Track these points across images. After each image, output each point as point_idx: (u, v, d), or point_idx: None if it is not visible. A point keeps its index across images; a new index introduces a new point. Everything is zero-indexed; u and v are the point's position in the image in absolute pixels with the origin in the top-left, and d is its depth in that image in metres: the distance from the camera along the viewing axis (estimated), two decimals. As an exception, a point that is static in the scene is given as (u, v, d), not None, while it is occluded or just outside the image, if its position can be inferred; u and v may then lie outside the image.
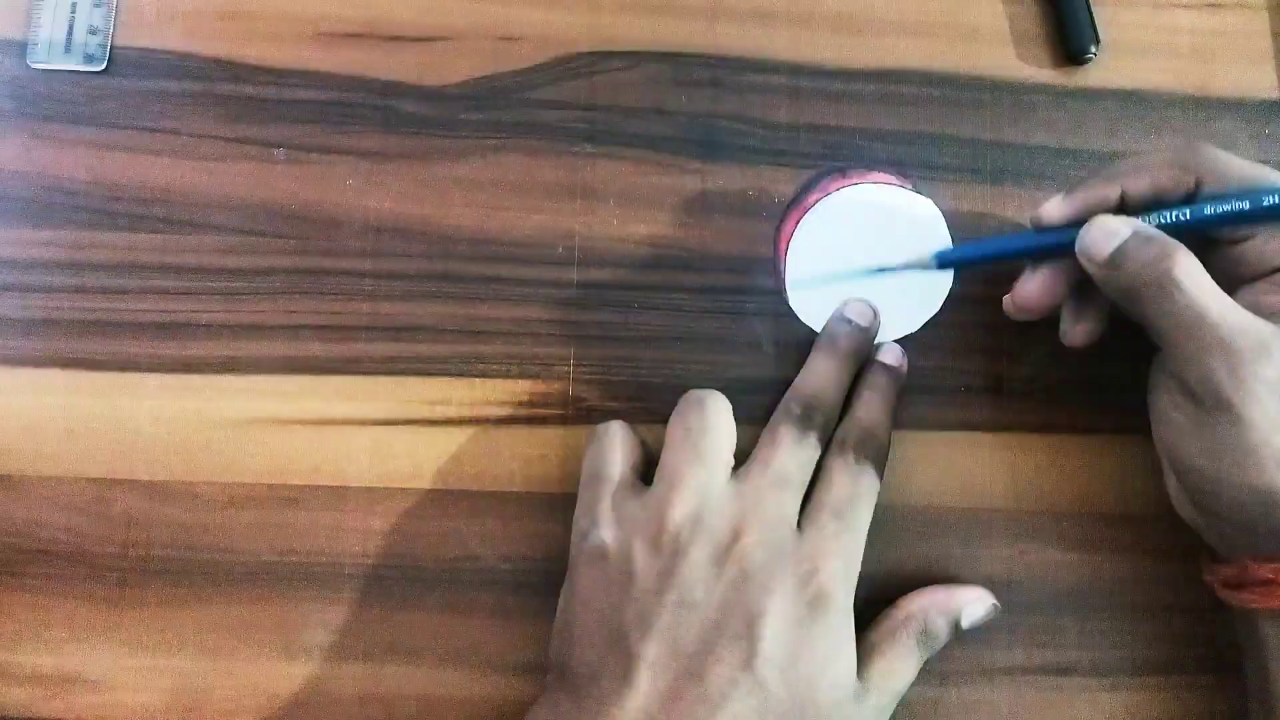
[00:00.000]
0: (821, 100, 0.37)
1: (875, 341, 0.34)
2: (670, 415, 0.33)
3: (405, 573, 0.34)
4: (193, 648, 0.34)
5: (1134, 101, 0.37)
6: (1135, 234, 0.29)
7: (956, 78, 0.37)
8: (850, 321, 0.34)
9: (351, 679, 0.34)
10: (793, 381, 0.34)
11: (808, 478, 0.32)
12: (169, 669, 0.33)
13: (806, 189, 0.36)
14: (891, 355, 0.34)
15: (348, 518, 0.34)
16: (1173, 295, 0.28)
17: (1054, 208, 0.31)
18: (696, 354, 0.35)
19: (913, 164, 0.36)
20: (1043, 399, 0.35)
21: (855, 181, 0.34)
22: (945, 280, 0.35)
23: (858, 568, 0.31)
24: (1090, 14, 0.37)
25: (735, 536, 0.30)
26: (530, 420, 0.35)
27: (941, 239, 0.34)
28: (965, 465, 0.35)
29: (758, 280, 0.35)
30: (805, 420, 0.32)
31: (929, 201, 0.34)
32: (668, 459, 0.32)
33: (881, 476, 0.32)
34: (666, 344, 0.35)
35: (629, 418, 0.34)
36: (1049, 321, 0.36)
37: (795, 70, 0.37)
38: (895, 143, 0.36)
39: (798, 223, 0.34)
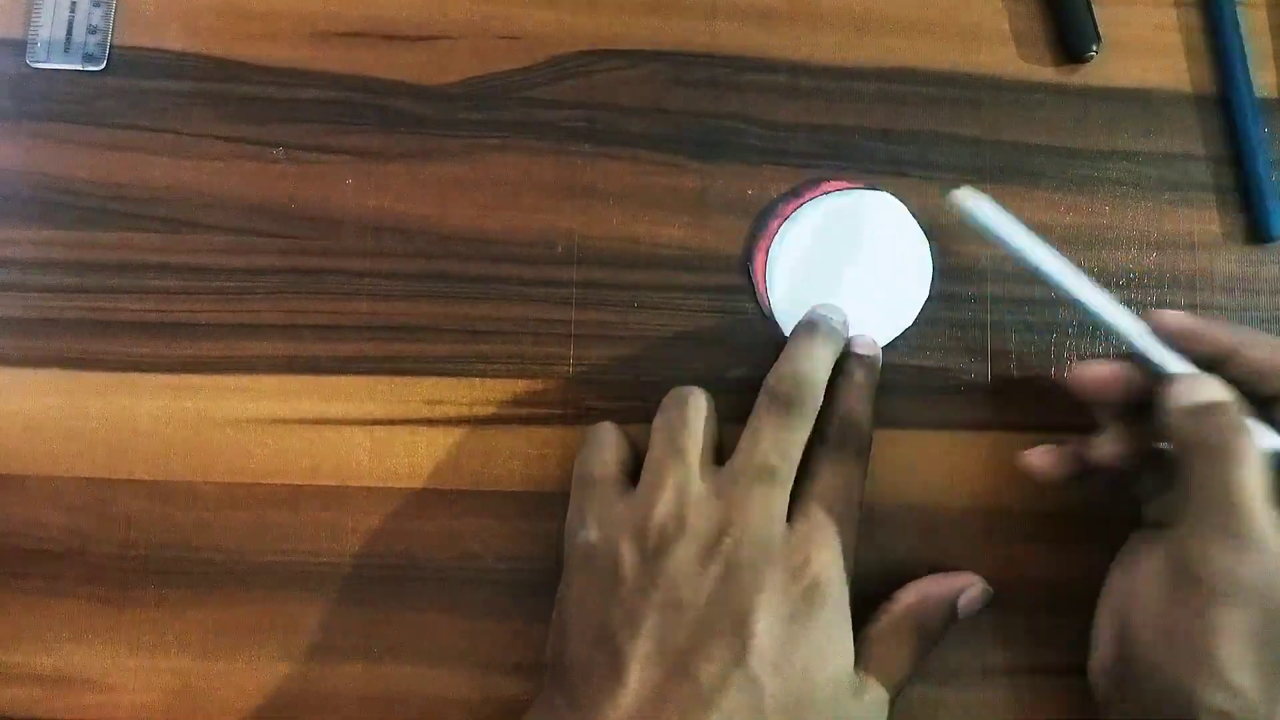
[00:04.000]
0: (821, 100, 0.37)
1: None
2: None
3: (405, 573, 0.34)
4: (193, 648, 0.34)
5: (1135, 100, 0.37)
6: (1232, 403, 0.29)
7: (956, 77, 0.37)
8: (823, 315, 0.34)
9: (351, 679, 0.34)
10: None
11: (793, 466, 0.31)
12: (169, 669, 0.33)
13: (764, 217, 0.35)
14: (863, 345, 0.34)
15: (348, 518, 0.34)
16: (1223, 467, 0.28)
17: (1176, 320, 0.31)
18: (696, 354, 0.35)
19: (913, 164, 0.36)
20: (1042, 399, 0.35)
21: (809, 197, 0.34)
22: (925, 278, 0.34)
23: (851, 559, 0.31)
24: (1091, 13, 0.37)
25: (720, 532, 0.30)
26: (530, 420, 0.35)
27: (906, 225, 0.33)
28: (965, 465, 0.35)
29: (749, 279, 0.35)
30: (783, 405, 0.31)
31: (884, 193, 0.33)
32: (650, 457, 0.32)
33: (866, 465, 0.32)
34: (666, 344, 0.35)
35: (629, 417, 0.34)
36: (1046, 321, 0.36)
37: (795, 70, 0.37)
38: (895, 142, 0.36)
39: (767, 252, 0.33)
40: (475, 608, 0.34)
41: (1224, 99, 0.37)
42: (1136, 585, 0.29)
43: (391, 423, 0.35)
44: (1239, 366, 0.30)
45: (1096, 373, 0.31)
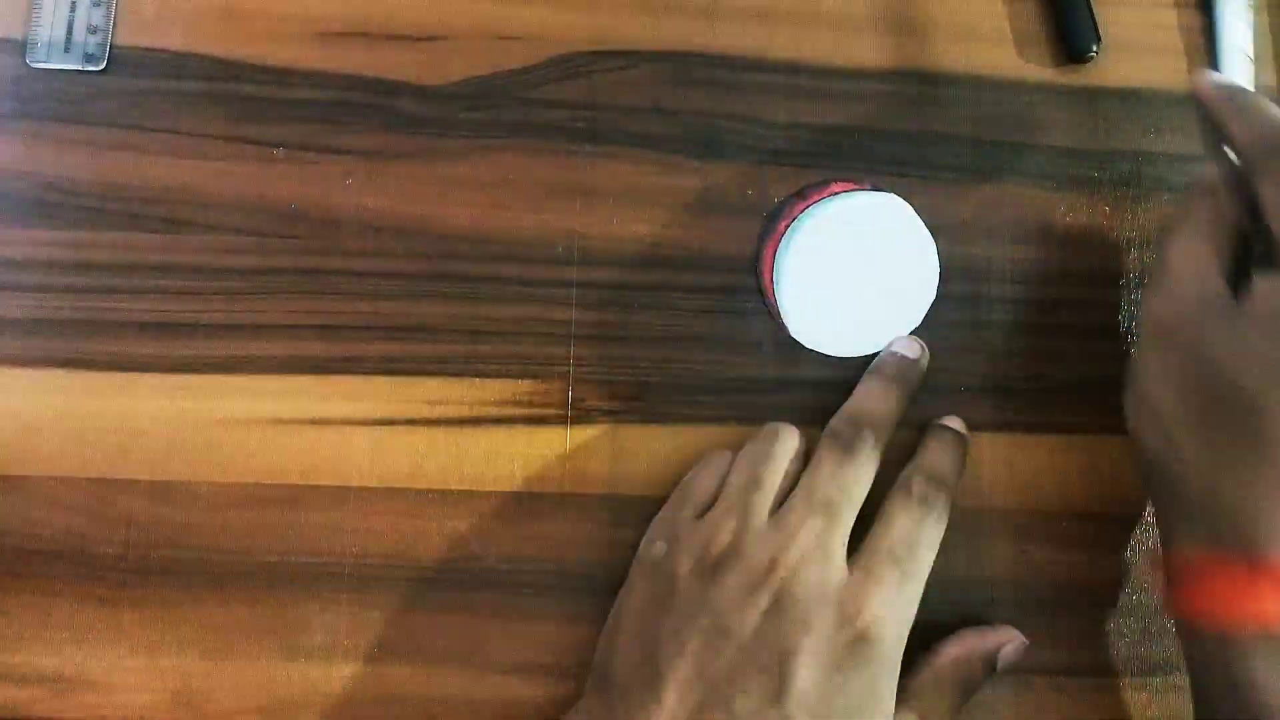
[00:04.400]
0: (821, 100, 0.37)
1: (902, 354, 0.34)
2: (668, 417, 0.33)
3: (405, 573, 0.34)
4: (193, 648, 0.34)
5: (1135, 100, 0.37)
6: None
7: (956, 77, 0.37)
8: (896, 353, 0.34)
9: (351, 679, 0.34)
10: (798, 389, 0.34)
11: (852, 503, 0.31)
12: (169, 669, 0.33)
13: (772, 219, 0.35)
14: (956, 422, 0.34)
15: (348, 518, 0.34)
16: None
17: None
18: (696, 354, 0.35)
19: (913, 164, 0.36)
20: (1043, 399, 0.35)
21: (816, 199, 0.33)
22: (931, 279, 0.34)
23: (911, 617, 0.30)
24: (1091, 13, 0.37)
25: (771, 566, 0.29)
26: (530, 420, 0.35)
27: (913, 227, 0.33)
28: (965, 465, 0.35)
29: (757, 280, 0.35)
30: (847, 442, 0.31)
31: (891, 195, 0.33)
32: (727, 485, 0.32)
33: (944, 526, 0.31)
34: (666, 344, 0.35)
35: (628, 418, 0.34)
36: (1045, 323, 0.36)
37: (795, 70, 0.37)
38: (895, 143, 0.36)
39: (774, 253, 0.33)
40: (475, 608, 0.34)
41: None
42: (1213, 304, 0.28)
43: (391, 423, 0.35)
44: None
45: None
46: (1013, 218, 0.36)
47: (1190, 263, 0.28)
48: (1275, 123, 0.28)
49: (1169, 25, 0.37)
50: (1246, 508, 0.26)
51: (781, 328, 0.34)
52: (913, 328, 0.34)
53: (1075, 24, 0.37)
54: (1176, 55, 0.37)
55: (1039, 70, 0.37)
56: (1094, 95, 0.37)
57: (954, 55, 0.37)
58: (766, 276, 0.34)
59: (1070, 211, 0.36)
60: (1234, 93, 0.30)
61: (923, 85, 0.37)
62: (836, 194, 0.33)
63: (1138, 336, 0.30)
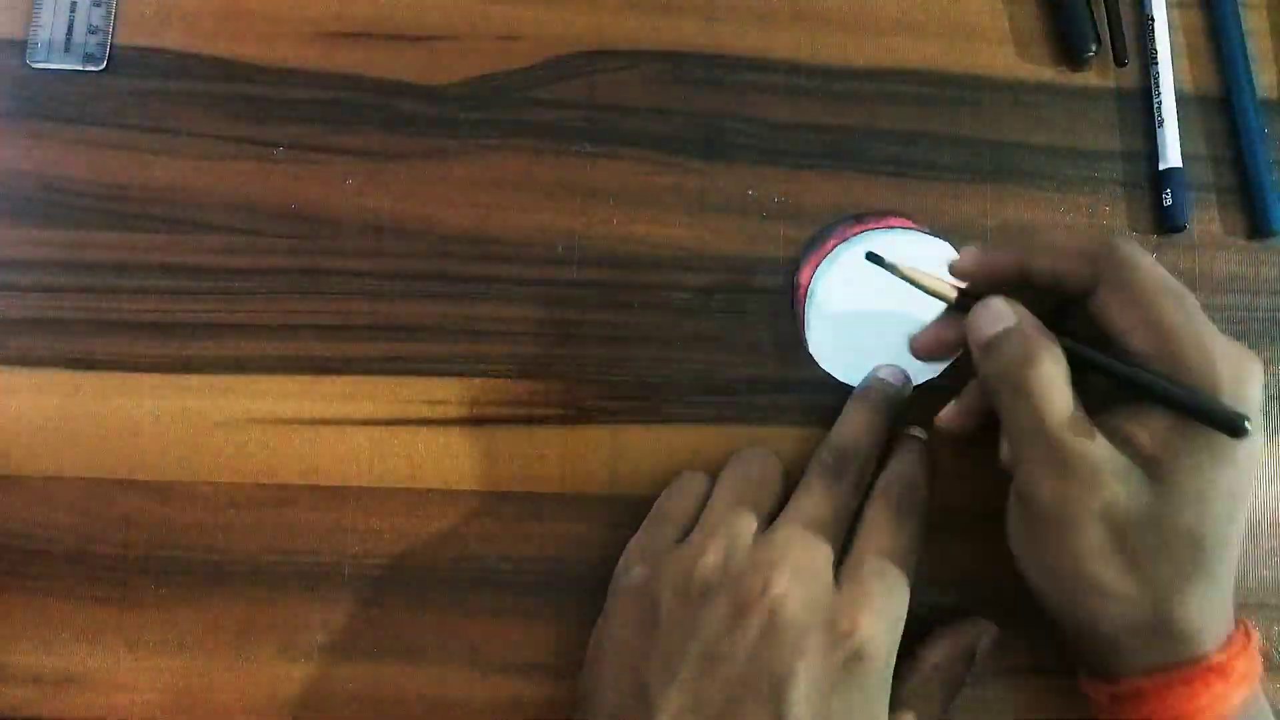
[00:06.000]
0: (821, 100, 0.37)
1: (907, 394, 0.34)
2: (668, 417, 0.33)
3: (405, 573, 0.34)
4: (193, 648, 0.34)
5: (1134, 100, 0.37)
6: (1017, 326, 0.29)
7: (956, 78, 0.37)
8: (881, 379, 0.34)
9: (351, 679, 0.34)
10: (798, 389, 0.34)
11: (843, 529, 0.31)
12: (169, 669, 0.33)
13: (822, 235, 0.35)
14: (917, 430, 0.34)
15: (347, 518, 0.34)
16: (1020, 400, 0.28)
17: (966, 259, 0.31)
18: (697, 354, 0.35)
19: (913, 164, 0.36)
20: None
21: (871, 227, 0.33)
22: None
23: (901, 627, 0.30)
24: (1090, 13, 0.37)
25: (763, 588, 0.28)
26: (530, 420, 0.35)
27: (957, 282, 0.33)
28: (965, 466, 0.35)
29: (758, 280, 0.35)
30: (837, 469, 0.32)
31: (944, 243, 0.33)
32: (710, 508, 0.31)
33: (924, 525, 0.32)
34: (666, 344, 0.35)
35: (629, 418, 0.34)
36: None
37: (795, 70, 0.37)
38: (895, 143, 0.36)
39: (815, 270, 0.33)
40: (475, 608, 0.34)
41: (1225, 99, 0.37)
42: (1010, 531, 0.30)
43: (391, 423, 0.35)
44: (1035, 280, 0.30)
45: (926, 337, 0.32)
46: (1013, 218, 0.36)
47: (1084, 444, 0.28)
48: (1091, 238, 0.29)
49: (1170, 25, 0.37)
50: (1193, 621, 0.28)
51: (801, 335, 0.34)
52: (943, 368, 0.34)
53: (1074, 24, 0.37)
54: (1177, 55, 0.37)
55: (1038, 70, 0.37)
56: (1094, 95, 0.37)
57: (954, 55, 0.37)
58: (802, 286, 0.34)
59: (1070, 211, 0.36)
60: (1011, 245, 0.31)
61: (923, 85, 0.37)
62: (893, 228, 0.33)
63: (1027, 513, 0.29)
